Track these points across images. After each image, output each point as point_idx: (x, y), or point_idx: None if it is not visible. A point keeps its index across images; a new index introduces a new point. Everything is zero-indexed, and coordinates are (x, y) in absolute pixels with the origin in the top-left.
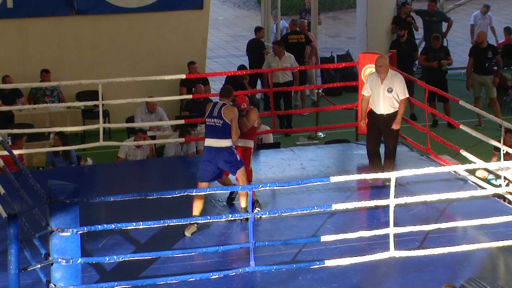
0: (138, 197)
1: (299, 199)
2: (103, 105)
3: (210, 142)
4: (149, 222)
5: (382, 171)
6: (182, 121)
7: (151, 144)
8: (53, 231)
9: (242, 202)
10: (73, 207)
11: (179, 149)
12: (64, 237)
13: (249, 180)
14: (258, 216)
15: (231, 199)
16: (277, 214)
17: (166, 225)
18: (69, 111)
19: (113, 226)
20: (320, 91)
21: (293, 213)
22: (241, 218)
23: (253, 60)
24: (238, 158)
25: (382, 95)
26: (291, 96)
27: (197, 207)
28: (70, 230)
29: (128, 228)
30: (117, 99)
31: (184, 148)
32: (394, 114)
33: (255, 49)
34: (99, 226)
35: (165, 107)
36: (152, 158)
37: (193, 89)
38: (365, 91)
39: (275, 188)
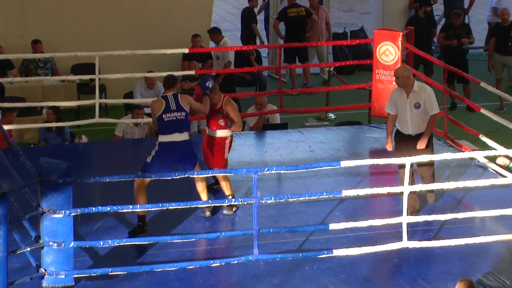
0: (135, 178)
1: (307, 184)
2: (99, 79)
3: (172, 137)
4: (147, 205)
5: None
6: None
7: (149, 122)
8: (44, 212)
9: (226, 190)
10: (66, 187)
11: None
12: (56, 219)
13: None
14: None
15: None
16: (283, 200)
17: (165, 208)
18: (63, 85)
19: (108, 208)
20: (332, 69)
21: (300, 198)
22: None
23: (244, 32)
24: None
25: (409, 112)
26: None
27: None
28: (62, 211)
29: (124, 211)
30: (115, 73)
31: None
32: None
33: (246, 20)
34: (93, 208)
35: None
36: (151, 137)
37: (187, 65)
38: (390, 109)
39: (282, 172)
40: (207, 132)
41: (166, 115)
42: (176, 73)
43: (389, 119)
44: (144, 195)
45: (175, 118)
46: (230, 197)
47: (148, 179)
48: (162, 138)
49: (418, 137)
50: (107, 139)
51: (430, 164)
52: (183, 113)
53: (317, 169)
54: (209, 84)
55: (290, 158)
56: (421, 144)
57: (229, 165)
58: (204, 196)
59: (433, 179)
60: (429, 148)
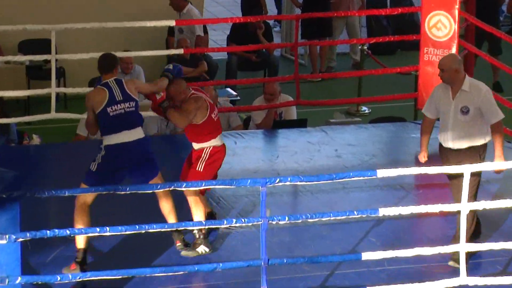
0: (103, 192)
1: (332, 200)
2: (57, 60)
3: (122, 137)
4: (119, 228)
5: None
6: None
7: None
8: None
9: (195, 214)
10: (12, 203)
11: (164, 125)
12: None
13: (201, 192)
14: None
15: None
16: (300, 220)
17: (143, 231)
18: (8, 68)
19: (68, 232)
20: (365, 47)
21: (323, 219)
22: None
23: (245, 2)
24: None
25: (452, 118)
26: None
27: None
28: (7, 236)
29: (90, 235)
30: (77, 53)
31: (170, 124)
32: (472, 150)
33: None
34: (48, 231)
35: (147, 67)
36: None
37: (176, 42)
38: (428, 110)
39: (299, 183)
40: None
41: (112, 108)
42: (160, 53)
43: (424, 123)
44: (85, 219)
45: (123, 111)
46: (195, 231)
47: (92, 197)
48: (109, 140)
49: (460, 152)
50: (66, 140)
51: (476, 174)
52: (133, 103)
53: (346, 180)
54: (174, 68)
55: (309, 166)
56: (500, 158)
57: (230, 174)
58: (171, 219)
59: (474, 199)
60: (480, 159)
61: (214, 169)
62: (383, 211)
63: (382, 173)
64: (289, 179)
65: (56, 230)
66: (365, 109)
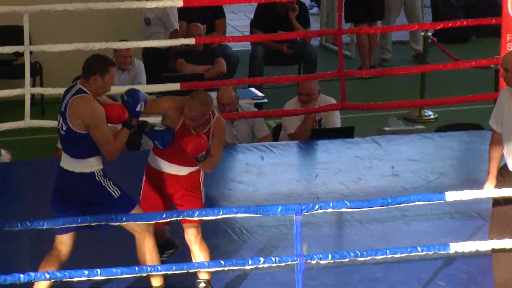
0: (91, 223)
1: (388, 232)
2: (31, 53)
3: (62, 158)
4: (111, 270)
5: None
6: (177, 86)
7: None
8: None
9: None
10: None
11: None
12: None
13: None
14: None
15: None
16: (347, 259)
17: (141, 275)
18: None
19: (48, 276)
20: (429, 34)
21: (376, 257)
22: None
23: None
24: (114, 194)
25: None
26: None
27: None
28: None
29: (74, 279)
30: (57, 43)
31: None
32: None
33: None
34: (22, 275)
35: (147, 61)
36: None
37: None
38: (496, 122)
39: (344, 210)
40: (153, 164)
41: (58, 117)
42: (165, 43)
43: (492, 139)
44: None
45: (60, 127)
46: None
47: (67, 246)
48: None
49: None
50: (44, 156)
51: None
52: (65, 126)
53: (406, 206)
54: (141, 107)
55: (357, 188)
56: None
57: (256, 199)
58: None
59: None
60: None
61: None
62: (455, 247)
63: (452, 196)
64: (331, 205)
65: (32, 274)
66: (429, 113)
